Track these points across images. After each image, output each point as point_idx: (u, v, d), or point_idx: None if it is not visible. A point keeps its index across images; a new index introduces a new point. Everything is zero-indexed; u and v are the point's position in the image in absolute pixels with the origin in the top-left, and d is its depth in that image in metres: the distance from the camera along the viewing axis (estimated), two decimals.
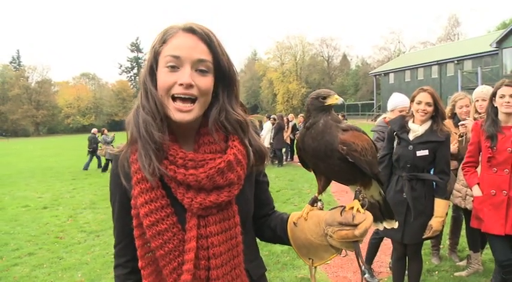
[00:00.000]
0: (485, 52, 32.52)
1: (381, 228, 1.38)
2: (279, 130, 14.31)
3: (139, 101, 1.19)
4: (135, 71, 78.23)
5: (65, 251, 5.80)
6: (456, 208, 4.60)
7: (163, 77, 1.15)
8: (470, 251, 4.38)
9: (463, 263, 4.57)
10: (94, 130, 17.33)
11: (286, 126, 14.92)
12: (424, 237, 3.36)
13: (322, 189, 1.32)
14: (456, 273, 4.34)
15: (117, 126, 66.82)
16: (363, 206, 1.17)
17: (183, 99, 1.14)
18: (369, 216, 1.13)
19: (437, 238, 4.58)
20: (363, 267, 1.23)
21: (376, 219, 1.34)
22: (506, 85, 3.25)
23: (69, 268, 5.07)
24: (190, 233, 1.15)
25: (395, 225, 1.40)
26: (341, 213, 1.16)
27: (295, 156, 15.30)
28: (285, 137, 14.79)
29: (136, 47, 77.65)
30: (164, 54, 1.15)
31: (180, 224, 1.17)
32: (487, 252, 4.48)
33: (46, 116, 72.08)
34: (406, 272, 3.67)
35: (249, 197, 1.31)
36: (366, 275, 4.28)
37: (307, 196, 8.82)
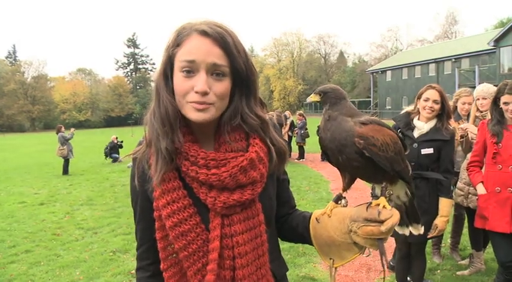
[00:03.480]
0: (482, 50, 32.63)
1: (407, 233, 1.32)
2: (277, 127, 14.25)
3: (153, 106, 1.16)
4: (131, 66, 78.28)
5: (63, 249, 5.75)
6: (458, 207, 4.58)
7: (179, 82, 1.11)
8: (473, 249, 4.35)
9: (465, 262, 4.55)
10: (113, 137, 17.42)
11: (284, 123, 14.86)
12: (429, 236, 3.33)
13: (346, 186, 1.28)
14: (458, 272, 4.31)
15: (113, 121, 66.90)
16: (389, 201, 1.14)
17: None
18: (396, 213, 1.10)
19: (438, 237, 4.56)
20: (385, 267, 1.18)
21: (402, 223, 1.30)
22: (508, 93, 3.19)
23: (67, 266, 5.02)
24: (214, 233, 1.13)
25: (421, 230, 1.34)
26: (367, 209, 1.12)
27: (293, 154, 15.29)
28: (283, 133, 14.74)
29: (133, 43, 77.62)
30: (179, 58, 1.11)
31: (203, 224, 1.14)
32: (490, 251, 4.46)
33: (42, 112, 72.06)
34: None
35: (272, 195, 1.29)
36: None
37: (306, 193, 8.80)
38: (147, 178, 1.18)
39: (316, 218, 1.27)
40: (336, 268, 1.25)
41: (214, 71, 1.10)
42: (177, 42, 1.12)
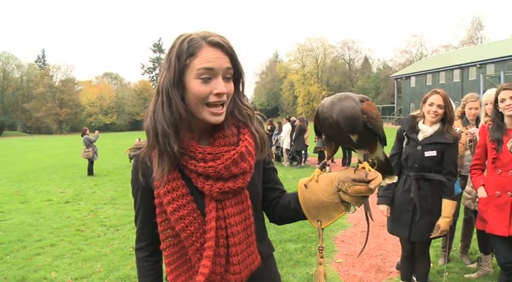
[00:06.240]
0: (508, 56, 32.07)
1: (383, 184, 1.47)
2: (300, 132, 14.37)
3: (161, 110, 1.28)
4: (157, 71, 79.05)
5: (86, 243, 5.99)
6: (467, 210, 4.62)
7: (198, 87, 1.26)
8: (481, 253, 4.38)
9: (474, 265, 4.56)
10: (136, 140, 17.69)
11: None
12: (431, 236, 3.40)
13: (331, 155, 1.46)
14: (466, 275, 4.33)
15: (138, 125, 67.74)
16: (372, 166, 1.32)
17: (216, 105, 1.29)
18: (379, 174, 1.27)
19: (447, 240, 4.61)
20: (370, 222, 1.35)
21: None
22: (504, 89, 3.31)
23: (89, 259, 5.25)
24: (210, 215, 1.31)
25: (395, 179, 1.54)
26: (354, 172, 1.29)
27: (313, 158, 15.35)
28: (305, 137, 14.81)
29: (158, 48, 78.51)
30: (196, 67, 1.25)
31: (199, 210, 1.32)
32: None
33: (69, 114, 73.54)
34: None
35: (257, 183, 1.46)
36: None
37: None
38: (150, 171, 1.36)
39: (305, 184, 1.42)
40: (323, 229, 1.41)
41: (226, 75, 1.29)
42: (190, 53, 1.25)
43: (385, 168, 1.49)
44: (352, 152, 1.45)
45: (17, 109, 73.81)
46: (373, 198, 3.93)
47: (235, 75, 1.34)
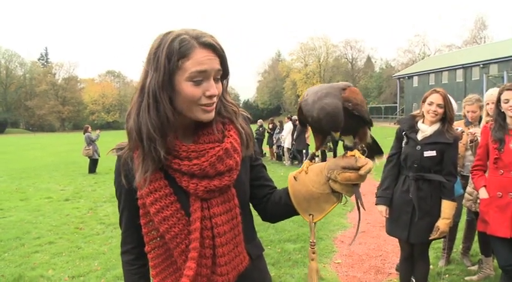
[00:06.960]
0: (511, 56, 31.90)
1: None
2: (301, 131, 14.30)
3: (146, 112, 1.21)
4: None
5: (84, 241, 5.97)
6: (469, 212, 4.57)
7: (190, 90, 1.21)
8: (482, 255, 4.32)
9: (475, 267, 4.51)
10: None
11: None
12: (430, 238, 3.36)
13: (320, 145, 1.40)
14: (467, 278, 4.28)
15: None
16: (363, 154, 1.28)
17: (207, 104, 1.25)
18: (369, 160, 1.23)
19: (448, 241, 4.57)
20: (361, 210, 1.30)
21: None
22: (507, 89, 3.26)
23: (87, 257, 5.23)
24: (195, 215, 1.26)
25: (383, 158, 1.51)
26: (343, 159, 1.25)
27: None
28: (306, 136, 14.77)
29: None
30: (188, 69, 1.19)
31: (183, 210, 1.27)
32: None
33: (72, 112, 73.86)
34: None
35: (245, 180, 1.41)
36: None
37: None
38: (132, 172, 1.31)
39: (294, 177, 1.38)
40: (315, 223, 1.35)
41: (216, 76, 1.25)
42: (182, 54, 1.18)
43: (373, 148, 1.46)
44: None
45: (19, 107, 74.13)
46: (372, 199, 3.91)
47: (223, 74, 1.30)
